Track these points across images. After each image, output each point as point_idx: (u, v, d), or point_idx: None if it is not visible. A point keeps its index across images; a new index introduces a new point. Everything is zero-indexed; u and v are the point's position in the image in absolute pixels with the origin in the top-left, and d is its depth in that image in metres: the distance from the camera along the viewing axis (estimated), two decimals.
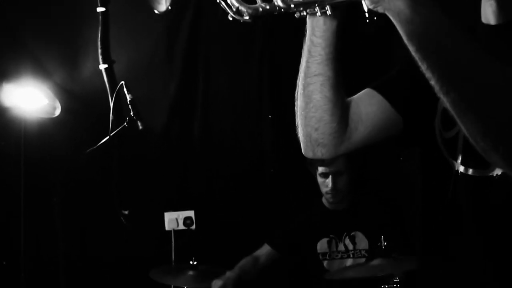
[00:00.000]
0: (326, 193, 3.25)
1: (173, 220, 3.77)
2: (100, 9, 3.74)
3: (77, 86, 3.90)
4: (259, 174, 3.90)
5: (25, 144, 3.63)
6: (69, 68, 3.91)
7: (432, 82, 1.17)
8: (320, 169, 3.23)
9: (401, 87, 1.48)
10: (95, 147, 3.29)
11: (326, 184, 3.23)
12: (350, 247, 3.25)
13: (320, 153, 1.49)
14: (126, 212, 3.65)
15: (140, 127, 3.11)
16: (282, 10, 1.21)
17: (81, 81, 3.91)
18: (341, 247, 3.26)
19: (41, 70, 3.79)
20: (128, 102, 3.16)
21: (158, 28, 3.94)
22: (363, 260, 3.18)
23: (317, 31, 1.39)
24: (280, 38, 3.86)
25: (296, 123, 1.49)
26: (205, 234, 3.80)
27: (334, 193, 3.23)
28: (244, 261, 3.29)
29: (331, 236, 3.28)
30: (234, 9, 1.19)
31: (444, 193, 1.40)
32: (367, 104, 1.48)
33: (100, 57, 3.77)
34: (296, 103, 1.47)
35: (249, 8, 1.19)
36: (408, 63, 1.50)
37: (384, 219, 3.26)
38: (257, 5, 1.21)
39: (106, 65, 3.77)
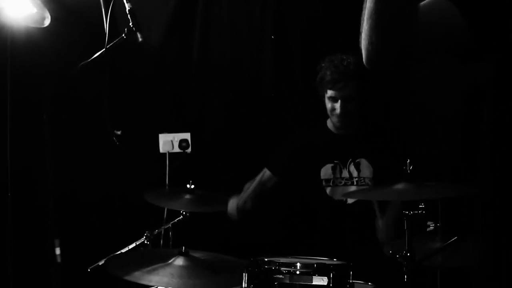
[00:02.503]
0: (333, 115, 3.11)
1: (168, 142, 3.67)
2: None
3: None
4: (258, 97, 3.75)
5: (11, 55, 3.40)
6: None
7: None
8: (330, 93, 3.07)
9: None
10: (88, 60, 3.05)
11: (334, 108, 3.09)
12: (355, 174, 3.14)
13: (387, 61, 1.35)
14: (119, 133, 3.46)
15: (140, 39, 2.87)
16: None
17: None
18: (345, 174, 3.16)
19: None
20: (127, 12, 2.89)
21: None
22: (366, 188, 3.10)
23: None
24: None
25: (361, 29, 1.33)
26: (201, 157, 3.70)
27: (342, 118, 3.09)
28: (255, 184, 3.20)
29: (335, 162, 3.17)
30: None
31: None
32: (435, 11, 1.35)
33: None
34: (364, 5, 1.30)
35: None
36: None
37: (390, 147, 3.16)
38: None
39: None
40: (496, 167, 1.36)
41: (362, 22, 1.32)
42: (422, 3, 1.36)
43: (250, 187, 3.17)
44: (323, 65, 3.11)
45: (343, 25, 3.55)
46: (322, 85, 3.10)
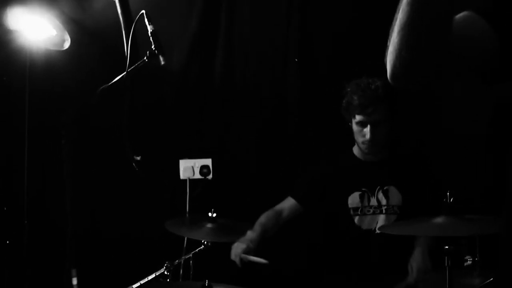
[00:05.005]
0: (363, 143, 2.99)
1: (188, 168, 3.58)
2: None
3: (88, 17, 3.58)
4: (282, 122, 3.64)
5: (30, 79, 3.35)
6: None
7: None
8: (358, 118, 2.95)
9: (508, 13, 1.28)
10: (109, 84, 2.97)
11: (363, 133, 2.97)
12: (383, 202, 3.02)
13: (414, 79, 1.27)
14: (139, 158, 3.37)
15: (162, 62, 2.78)
16: None
17: (92, 12, 3.59)
18: (373, 202, 3.03)
19: None
20: (150, 34, 2.81)
21: None
22: (395, 216, 2.97)
23: None
24: None
25: (389, 42, 1.24)
26: (223, 184, 3.59)
27: (372, 143, 2.97)
28: (265, 217, 3.06)
29: (363, 189, 3.05)
30: None
31: None
32: (466, 26, 1.27)
33: None
34: (395, 16, 1.22)
35: None
36: None
37: (419, 173, 3.03)
38: None
39: None
40: None
41: (390, 35, 1.23)
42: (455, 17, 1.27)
43: (260, 221, 3.03)
44: (348, 89, 3.00)
45: (371, 46, 3.47)
46: (349, 110, 2.99)
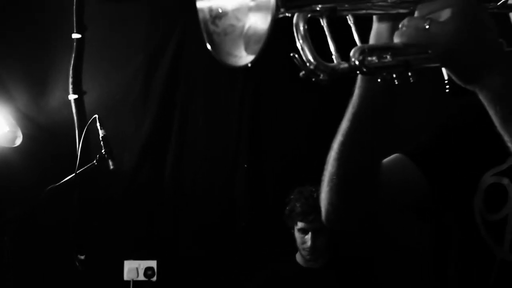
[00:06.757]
0: (304, 249, 3.05)
1: (133, 269, 3.54)
2: (75, 36, 3.51)
3: (43, 115, 3.60)
4: (229, 226, 3.66)
5: None
6: (35, 95, 3.61)
7: None
8: (300, 225, 3.03)
9: (437, 157, 1.34)
10: (57, 184, 2.99)
11: (304, 240, 3.04)
12: None
13: (347, 222, 1.33)
14: (82, 257, 3.34)
15: (111, 167, 2.84)
16: (360, 72, 0.95)
17: (47, 110, 3.61)
18: None
19: (3, 93, 3.48)
20: (100, 139, 2.89)
21: (136, 61, 3.71)
22: None
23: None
24: (264, 85, 3.68)
25: (321, 188, 1.29)
26: (167, 287, 3.54)
27: (313, 251, 3.03)
28: None
29: None
30: (309, 68, 0.94)
31: (483, 282, 1.27)
32: (397, 172, 1.33)
33: (70, 86, 3.53)
34: (326, 167, 1.26)
35: (327, 67, 0.92)
36: (444, 129, 1.37)
37: (360, 281, 3.08)
38: (334, 64, 0.95)
39: (76, 96, 3.54)
40: None
41: (322, 182, 1.28)
42: (383, 161, 1.33)
43: None
44: (292, 197, 3.08)
45: (318, 156, 3.59)
46: (291, 217, 3.06)
